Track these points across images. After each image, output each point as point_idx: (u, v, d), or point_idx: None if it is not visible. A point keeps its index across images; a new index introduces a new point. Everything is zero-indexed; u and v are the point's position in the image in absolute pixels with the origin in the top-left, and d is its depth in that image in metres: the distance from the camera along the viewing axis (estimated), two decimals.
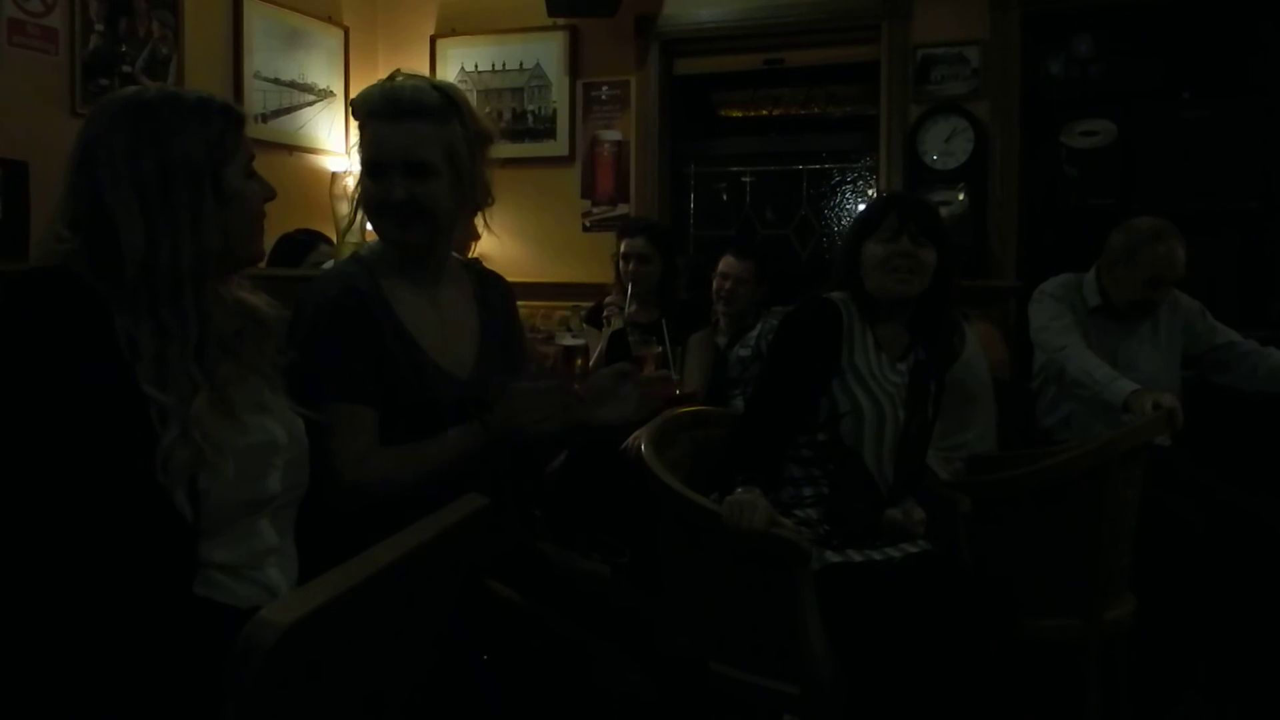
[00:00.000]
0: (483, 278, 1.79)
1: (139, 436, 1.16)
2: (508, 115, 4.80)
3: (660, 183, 4.66)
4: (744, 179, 4.78)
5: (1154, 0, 4.01)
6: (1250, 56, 3.97)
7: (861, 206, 4.43)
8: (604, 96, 4.71)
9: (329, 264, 2.84)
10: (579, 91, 4.73)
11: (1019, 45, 4.09)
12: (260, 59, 4.37)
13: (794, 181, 4.68)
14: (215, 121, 1.29)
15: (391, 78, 1.60)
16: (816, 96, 4.74)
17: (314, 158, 4.63)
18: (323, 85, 4.69)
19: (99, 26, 3.70)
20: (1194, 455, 2.74)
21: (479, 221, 1.73)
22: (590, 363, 2.74)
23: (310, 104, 4.62)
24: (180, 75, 3.98)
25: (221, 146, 1.28)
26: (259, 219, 1.36)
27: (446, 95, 1.58)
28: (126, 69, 3.79)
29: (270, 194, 1.38)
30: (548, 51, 4.76)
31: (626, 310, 3.12)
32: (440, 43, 4.92)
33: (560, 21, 4.64)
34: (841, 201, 4.62)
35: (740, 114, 4.95)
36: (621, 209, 4.65)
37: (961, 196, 4.13)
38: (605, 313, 3.28)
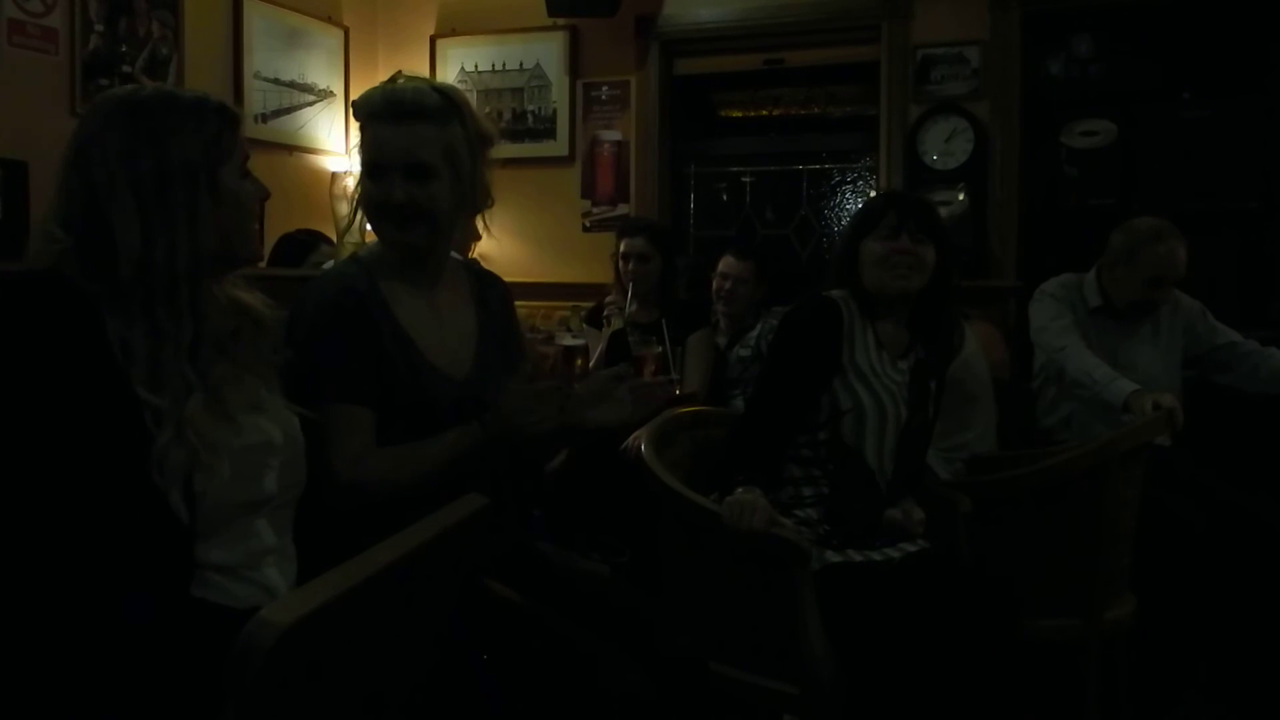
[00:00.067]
0: (481, 278, 1.79)
1: (133, 439, 1.16)
2: (508, 115, 4.80)
3: (660, 183, 4.66)
4: (744, 179, 4.78)
5: (1154, 0, 4.01)
6: (1250, 57, 3.97)
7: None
8: (604, 96, 4.70)
9: (329, 264, 2.84)
10: (579, 91, 4.73)
11: (1019, 45, 4.09)
12: (260, 59, 4.37)
13: (794, 181, 4.68)
14: (212, 121, 1.28)
15: (393, 80, 1.61)
16: (816, 96, 4.74)
17: (314, 158, 4.63)
18: (323, 85, 4.69)
19: (99, 26, 3.70)
20: (1194, 455, 2.74)
21: (479, 222, 1.73)
22: (590, 363, 2.75)
23: (310, 104, 4.62)
24: (180, 75, 3.98)
25: (218, 146, 1.28)
26: (254, 219, 1.37)
27: (447, 97, 1.58)
28: (126, 69, 3.79)
29: (265, 194, 1.38)
30: (548, 51, 4.76)
31: (626, 310, 3.12)
32: (440, 43, 4.92)
33: (560, 21, 4.63)
34: (841, 201, 4.62)
35: (740, 114, 4.94)
36: (621, 209, 4.65)
37: (961, 196, 4.13)
38: (605, 313, 3.28)
